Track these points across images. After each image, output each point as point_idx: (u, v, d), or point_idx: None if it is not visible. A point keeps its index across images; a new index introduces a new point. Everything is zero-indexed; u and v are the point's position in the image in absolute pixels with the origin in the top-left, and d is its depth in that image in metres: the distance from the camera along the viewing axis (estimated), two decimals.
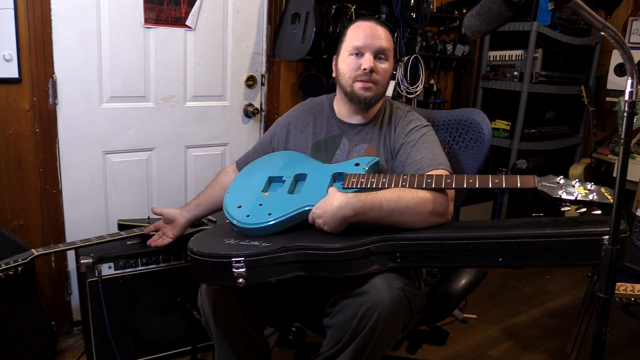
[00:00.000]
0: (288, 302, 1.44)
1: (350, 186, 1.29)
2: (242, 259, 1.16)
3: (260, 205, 1.32)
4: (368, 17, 1.46)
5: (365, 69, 1.40)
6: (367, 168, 1.35)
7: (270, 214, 1.28)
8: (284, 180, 1.40)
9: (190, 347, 1.91)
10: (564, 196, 1.15)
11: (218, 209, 1.65)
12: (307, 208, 1.26)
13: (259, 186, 1.41)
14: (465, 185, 1.21)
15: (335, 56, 1.51)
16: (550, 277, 2.98)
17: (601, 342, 0.95)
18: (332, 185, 1.32)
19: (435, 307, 1.41)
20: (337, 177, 1.36)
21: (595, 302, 1.43)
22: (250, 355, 1.41)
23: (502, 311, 2.54)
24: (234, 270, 1.16)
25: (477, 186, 1.20)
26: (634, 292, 1.58)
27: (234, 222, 1.30)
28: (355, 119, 1.51)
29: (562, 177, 1.18)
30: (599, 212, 1.13)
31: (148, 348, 1.89)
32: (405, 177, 1.27)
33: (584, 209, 1.14)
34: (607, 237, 0.95)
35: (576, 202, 1.14)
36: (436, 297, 1.44)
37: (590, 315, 1.97)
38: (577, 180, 1.17)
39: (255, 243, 1.22)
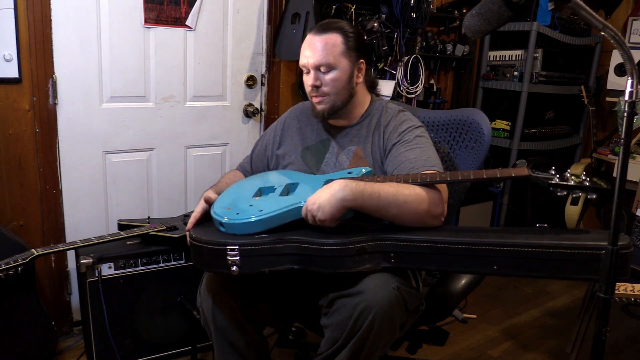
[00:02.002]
0: (287, 302, 1.45)
1: None
2: (237, 247, 1.17)
3: (251, 205, 1.30)
4: (318, 26, 1.46)
5: (310, 86, 1.44)
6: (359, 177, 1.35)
7: (261, 210, 1.25)
8: (276, 189, 1.38)
9: (190, 347, 1.91)
10: (558, 181, 1.16)
11: None
12: (302, 203, 1.23)
13: (250, 193, 1.38)
14: (460, 178, 1.22)
15: None
16: None
17: (601, 342, 0.95)
18: None
19: (435, 307, 1.41)
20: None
21: (595, 302, 1.43)
22: (250, 355, 1.41)
23: (502, 311, 2.54)
24: (229, 258, 1.17)
25: (471, 178, 1.22)
26: (634, 292, 1.58)
27: (224, 220, 1.24)
28: (342, 122, 1.52)
29: (554, 167, 1.19)
30: (594, 196, 1.13)
31: (148, 348, 1.89)
32: (399, 177, 1.27)
33: (580, 194, 1.15)
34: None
35: (571, 187, 1.14)
36: (436, 297, 1.44)
37: (590, 315, 1.97)
38: (569, 169, 1.20)
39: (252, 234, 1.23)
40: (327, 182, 1.34)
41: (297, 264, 1.19)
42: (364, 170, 1.36)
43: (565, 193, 1.15)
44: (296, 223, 1.25)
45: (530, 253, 1.11)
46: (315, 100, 1.46)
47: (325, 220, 1.19)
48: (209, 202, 1.40)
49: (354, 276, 1.19)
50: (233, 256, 1.17)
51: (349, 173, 1.37)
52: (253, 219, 1.22)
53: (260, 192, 1.38)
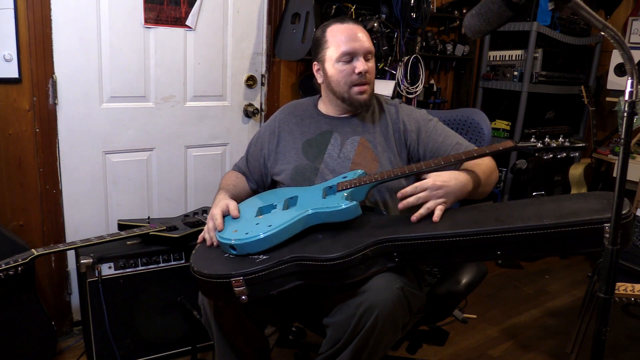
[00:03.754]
0: (289, 301, 1.44)
1: (344, 188, 1.31)
2: (241, 278, 1.15)
3: (257, 224, 1.28)
4: (343, 18, 1.50)
5: (360, 73, 1.43)
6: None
7: (270, 226, 1.23)
8: (276, 206, 1.37)
9: (190, 347, 1.91)
10: (541, 146, 1.23)
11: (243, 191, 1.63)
12: (310, 212, 1.23)
13: (252, 214, 1.36)
14: (452, 160, 1.28)
15: (315, 62, 1.51)
16: (550, 277, 2.98)
17: (601, 342, 0.95)
18: (325, 198, 1.31)
19: (435, 307, 1.41)
20: (328, 191, 1.34)
21: (595, 302, 1.43)
22: (250, 354, 1.41)
23: (502, 311, 2.54)
24: (235, 289, 1.16)
25: (463, 158, 1.29)
26: (634, 292, 1.58)
27: (233, 242, 1.23)
28: (345, 114, 1.53)
29: (534, 137, 1.26)
30: (576, 154, 1.19)
31: (148, 348, 1.89)
32: (395, 170, 1.31)
33: (564, 154, 1.20)
34: (608, 225, 0.94)
35: (554, 149, 1.20)
36: (436, 297, 1.44)
37: (590, 315, 1.97)
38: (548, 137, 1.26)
39: (254, 256, 1.21)
40: (325, 189, 1.34)
41: (303, 280, 1.18)
42: (358, 172, 1.37)
43: (550, 155, 1.21)
44: (297, 237, 1.24)
45: (532, 236, 1.10)
46: (360, 89, 1.45)
47: (451, 202, 1.26)
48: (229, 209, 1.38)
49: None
50: (239, 286, 1.15)
51: (344, 177, 1.37)
52: (262, 235, 1.20)
53: (261, 211, 1.37)
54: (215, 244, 1.31)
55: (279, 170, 1.55)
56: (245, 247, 1.22)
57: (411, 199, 1.24)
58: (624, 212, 1.03)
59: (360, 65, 1.42)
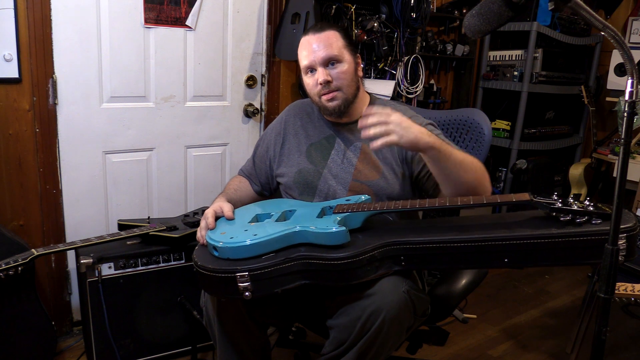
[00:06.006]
0: (291, 302, 1.44)
1: (340, 211, 1.27)
2: (246, 273, 1.14)
3: (246, 230, 1.26)
4: (313, 27, 1.47)
5: (321, 84, 1.41)
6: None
7: (255, 235, 1.21)
8: (272, 215, 1.35)
9: (190, 347, 1.91)
10: (561, 206, 1.13)
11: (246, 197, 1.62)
12: (297, 229, 1.20)
13: (246, 219, 1.35)
14: (459, 203, 1.19)
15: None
16: (550, 277, 2.98)
17: (601, 342, 0.95)
18: (321, 217, 1.28)
19: (435, 307, 1.41)
20: (327, 211, 1.33)
21: (595, 302, 1.43)
22: (251, 355, 1.41)
23: (502, 311, 2.54)
24: (239, 284, 1.15)
25: (471, 203, 1.18)
26: (634, 292, 1.58)
27: (219, 244, 1.20)
28: (345, 119, 1.51)
29: (556, 194, 1.18)
30: (599, 221, 1.10)
31: (148, 348, 1.89)
32: (397, 203, 1.25)
33: (584, 219, 1.11)
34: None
35: (574, 212, 1.12)
36: (436, 297, 1.44)
37: (590, 315, 1.97)
38: (572, 196, 1.16)
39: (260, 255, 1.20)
40: (325, 209, 1.33)
41: (308, 279, 1.17)
42: (363, 197, 1.35)
43: (569, 217, 1.12)
44: (296, 245, 1.22)
45: (540, 244, 1.09)
46: (326, 97, 1.43)
47: (401, 140, 1.16)
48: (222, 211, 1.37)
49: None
50: (244, 282, 1.14)
51: (347, 200, 1.36)
52: (247, 243, 1.18)
53: (257, 218, 1.36)
54: (203, 242, 1.30)
55: (282, 172, 1.55)
56: (227, 251, 1.20)
57: (373, 119, 1.18)
58: (630, 225, 1.04)
59: (319, 76, 1.40)
